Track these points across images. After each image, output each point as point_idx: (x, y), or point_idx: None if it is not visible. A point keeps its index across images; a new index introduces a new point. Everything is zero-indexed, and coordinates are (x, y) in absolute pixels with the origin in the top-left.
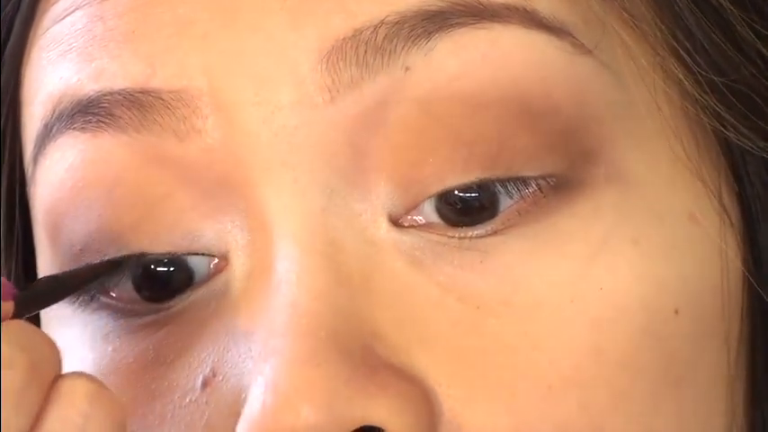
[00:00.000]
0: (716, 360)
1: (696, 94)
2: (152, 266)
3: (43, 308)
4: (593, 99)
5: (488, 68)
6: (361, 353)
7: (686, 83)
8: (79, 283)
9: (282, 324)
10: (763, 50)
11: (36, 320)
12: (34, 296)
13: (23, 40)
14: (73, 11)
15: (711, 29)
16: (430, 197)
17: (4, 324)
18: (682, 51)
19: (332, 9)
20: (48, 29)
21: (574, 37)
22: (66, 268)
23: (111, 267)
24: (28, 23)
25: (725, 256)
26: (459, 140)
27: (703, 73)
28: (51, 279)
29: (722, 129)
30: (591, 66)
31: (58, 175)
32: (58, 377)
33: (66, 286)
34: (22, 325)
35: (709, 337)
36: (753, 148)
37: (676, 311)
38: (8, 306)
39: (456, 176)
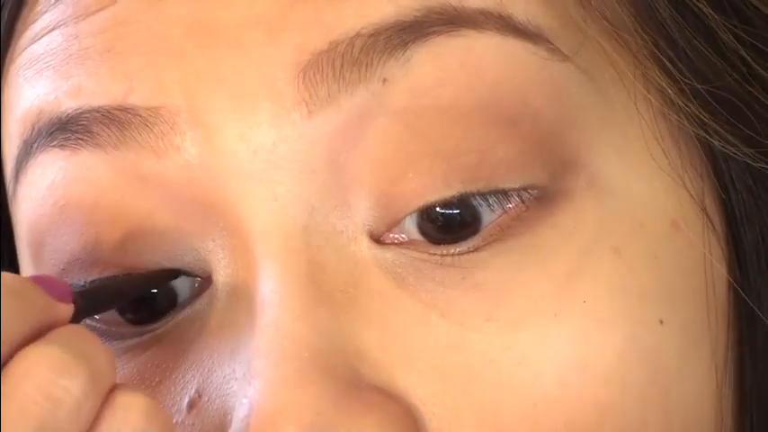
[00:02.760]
0: (703, 368)
1: (679, 102)
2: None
3: (99, 312)
4: (572, 105)
5: (465, 76)
6: (345, 373)
7: (669, 90)
8: (135, 289)
9: (266, 345)
10: (746, 56)
11: None
12: (91, 299)
13: (2, 61)
14: (49, 30)
15: (693, 35)
16: (411, 213)
17: (63, 329)
18: (664, 59)
19: (308, 22)
20: (25, 48)
21: (550, 43)
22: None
23: (168, 277)
24: (6, 43)
25: (709, 263)
26: (440, 153)
27: (686, 80)
28: (107, 283)
29: (705, 135)
30: (568, 71)
31: (40, 193)
32: (115, 388)
33: (123, 292)
34: (81, 330)
35: (696, 345)
36: (736, 154)
37: (661, 321)
38: (67, 308)
39: (437, 191)
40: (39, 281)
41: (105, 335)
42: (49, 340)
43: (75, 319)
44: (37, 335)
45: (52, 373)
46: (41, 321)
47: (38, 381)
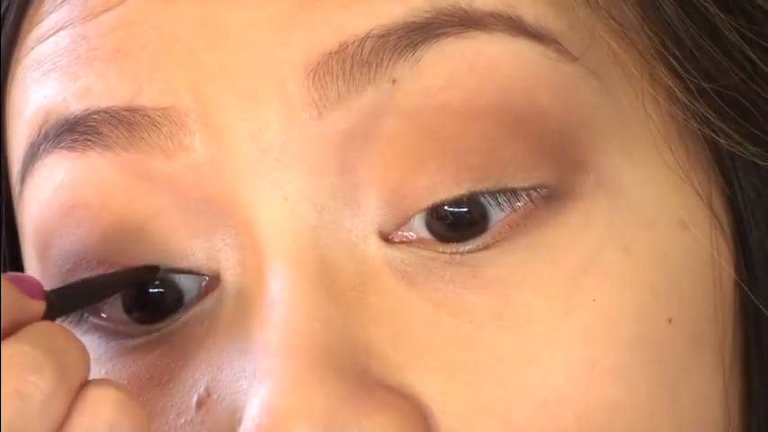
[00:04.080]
0: (711, 367)
1: (685, 101)
2: (142, 288)
3: (75, 310)
4: (581, 105)
5: (475, 77)
6: (355, 371)
7: (675, 89)
8: (113, 287)
9: (276, 344)
10: (752, 55)
11: None
12: (66, 297)
13: (7, 61)
14: (57, 31)
15: (700, 35)
16: (420, 212)
17: (33, 325)
18: (670, 58)
19: (318, 24)
20: (32, 48)
21: (559, 44)
22: (56, 287)
23: (147, 273)
24: (12, 44)
25: (716, 262)
26: (449, 152)
27: (692, 79)
28: (84, 282)
29: (712, 134)
30: (577, 73)
31: (47, 194)
32: (86, 383)
33: (99, 289)
34: (52, 327)
35: (704, 344)
36: (743, 153)
37: (669, 320)
38: (39, 305)
39: (446, 190)
40: (9, 278)
41: (112, 334)
42: (18, 337)
43: (50, 316)
44: (8, 331)
45: (21, 370)
46: (12, 317)
47: (6, 377)
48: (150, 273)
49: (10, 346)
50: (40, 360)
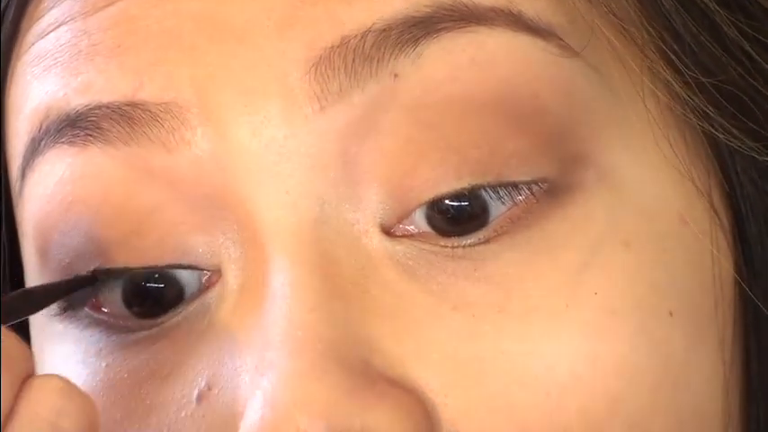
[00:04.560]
0: (711, 361)
1: (684, 95)
2: (142, 282)
3: (15, 320)
4: (581, 100)
5: (476, 72)
6: (358, 364)
7: (674, 84)
8: (53, 297)
9: (278, 337)
10: (750, 50)
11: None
12: (8, 305)
13: (7, 57)
14: (57, 26)
15: (698, 30)
16: (421, 205)
17: None
18: (669, 53)
19: (319, 18)
20: (32, 44)
21: (560, 39)
22: (56, 281)
23: (86, 282)
24: (12, 40)
25: (715, 256)
26: (450, 146)
27: (691, 74)
28: (26, 291)
29: (711, 129)
30: (578, 67)
31: (48, 189)
32: (30, 377)
33: (40, 300)
34: None
35: (704, 337)
36: (742, 148)
37: (670, 313)
38: None
39: (448, 183)
40: None
41: (113, 328)
42: None
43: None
44: None
45: None
46: None
47: None
48: (88, 282)
49: None
50: None
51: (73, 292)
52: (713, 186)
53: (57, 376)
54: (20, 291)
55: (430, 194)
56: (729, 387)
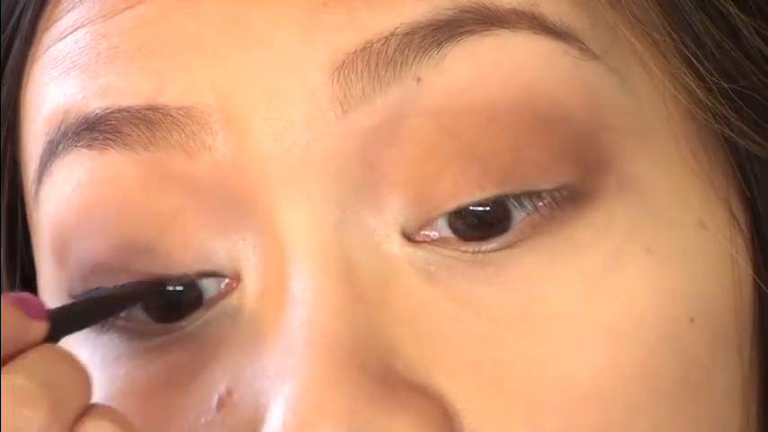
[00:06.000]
0: (731, 367)
1: (706, 101)
2: (161, 287)
3: (79, 330)
4: (603, 105)
5: (499, 75)
6: (380, 370)
7: (696, 89)
8: (118, 304)
9: (300, 343)
10: None
11: None
12: (70, 316)
13: (23, 59)
14: (76, 29)
15: (720, 35)
16: (444, 214)
17: (33, 351)
18: (691, 58)
19: (342, 22)
20: (49, 47)
21: (582, 42)
22: (74, 288)
23: (150, 289)
24: (28, 42)
25: (735, 262)
26: (473, 155)
27: (713, 79)
28: (88, 299)
29: (731, 134)
30: (600, 71)
31: (66, 194)
32: (85, 414)
33: (104, 307)
34: (52, 352)
35: (724, 344)
36: (761, 153)
37: (691, 320)
38: (40, 327)
39: (471, 193)
40: (10, 298)
41: (132, 333)
42: (16, 367)
43: (54, 337)
44: (9, 356)
45: (16, 404)
46: (13, 341)
47: (2, 411)
48: (154, 290)
49: (6, 379)
50: (36, 393)
51: (124, 309)
52: (732, 192)
53: (108, 421)
54: (63, 307)
55: (453, 204)
56: (748, 393)
